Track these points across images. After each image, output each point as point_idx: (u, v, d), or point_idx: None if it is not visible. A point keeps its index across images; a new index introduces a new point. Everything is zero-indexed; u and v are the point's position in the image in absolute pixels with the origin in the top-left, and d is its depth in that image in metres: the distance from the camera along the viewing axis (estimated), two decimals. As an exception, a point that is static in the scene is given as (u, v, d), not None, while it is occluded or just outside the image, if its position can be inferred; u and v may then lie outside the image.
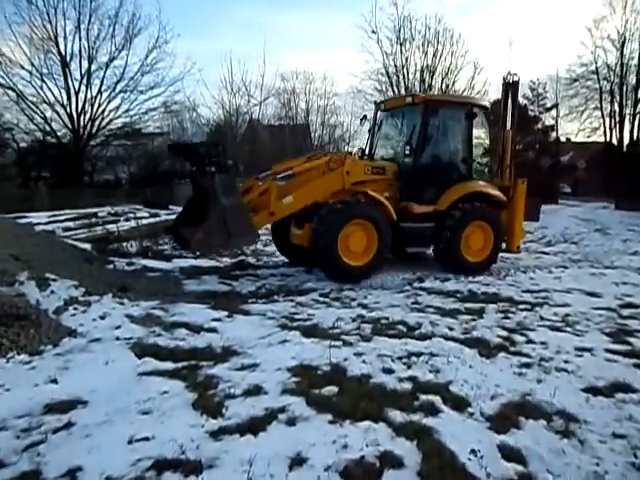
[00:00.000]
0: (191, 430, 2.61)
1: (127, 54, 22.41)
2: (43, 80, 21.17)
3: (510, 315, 5.16)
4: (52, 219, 14.53)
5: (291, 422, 2.71)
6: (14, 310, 4.05)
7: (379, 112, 8.76)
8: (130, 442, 2.49)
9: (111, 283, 5.93)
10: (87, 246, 7.82)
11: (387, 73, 27.61)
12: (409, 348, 3.96)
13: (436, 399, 3.03)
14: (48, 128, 22.28)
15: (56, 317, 4.34)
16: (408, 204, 7.55)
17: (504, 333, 4.48)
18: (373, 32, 27.13)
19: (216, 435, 2.57)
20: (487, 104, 8.59)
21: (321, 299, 5.88)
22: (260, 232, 6.68)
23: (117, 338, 4.08)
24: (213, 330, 4.44)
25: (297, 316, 5.02)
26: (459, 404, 3.01)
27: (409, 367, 3.57)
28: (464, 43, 31.62)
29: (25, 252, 5.45)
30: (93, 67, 21.84)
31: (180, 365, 3.57)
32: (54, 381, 3.32)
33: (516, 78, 8.49)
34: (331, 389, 3.12)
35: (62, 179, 22.93)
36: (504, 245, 8.25)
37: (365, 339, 4.20)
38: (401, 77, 27.47)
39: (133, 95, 23.21)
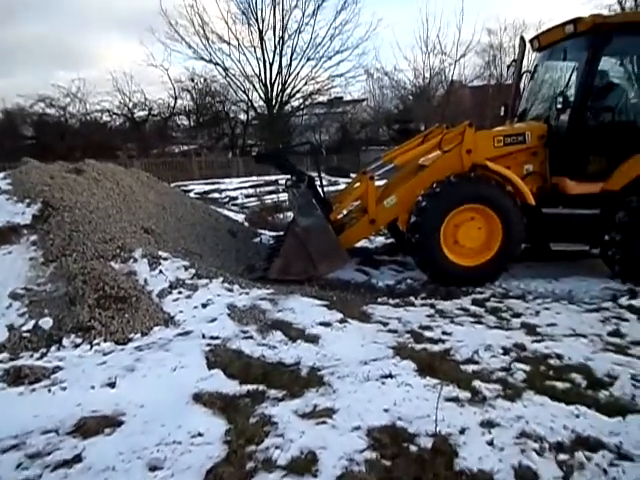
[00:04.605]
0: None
1: (315, 20, 22.90)
2: (243, 53, 23.12)
3: None
4: (240, 185, 15.69)
5: None
6: (115, 291, 3.87)
7: (531, 53, 6.42)
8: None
9: (241, 261, 5.61)
10: (240, 217, 7.78)
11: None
12: (581, 427, 2.43)
13: None
14: (247, 99, 24.40)
15: (158, 301, 4.08)
16: (561, 181, 5.33)
17: None
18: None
19: None
20: None
21: (472, 308, 4.49)
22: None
23: (203, 336, 3.58)
24: (313, 339, 3.60)
25: (427, 333, 3.81)
26: None
27: (571, 472, 2.12)
28: None
29: (163, 225, 5.43)
30: (285, 36, 22.88)
31: (245, 389, 2.85)
32: (112, 385, 2.95)
33: None
34: (415, 494, 1.97)
35: (261, 147, 24.96)
36: None
37: (509, 394, 2.78)
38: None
39: (321, 61, 23.72)
